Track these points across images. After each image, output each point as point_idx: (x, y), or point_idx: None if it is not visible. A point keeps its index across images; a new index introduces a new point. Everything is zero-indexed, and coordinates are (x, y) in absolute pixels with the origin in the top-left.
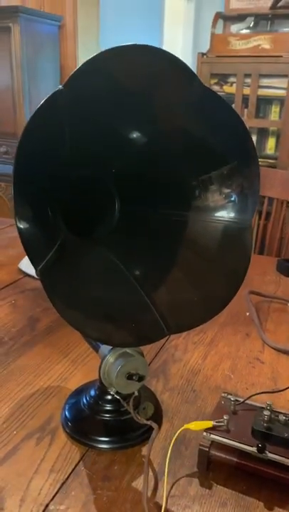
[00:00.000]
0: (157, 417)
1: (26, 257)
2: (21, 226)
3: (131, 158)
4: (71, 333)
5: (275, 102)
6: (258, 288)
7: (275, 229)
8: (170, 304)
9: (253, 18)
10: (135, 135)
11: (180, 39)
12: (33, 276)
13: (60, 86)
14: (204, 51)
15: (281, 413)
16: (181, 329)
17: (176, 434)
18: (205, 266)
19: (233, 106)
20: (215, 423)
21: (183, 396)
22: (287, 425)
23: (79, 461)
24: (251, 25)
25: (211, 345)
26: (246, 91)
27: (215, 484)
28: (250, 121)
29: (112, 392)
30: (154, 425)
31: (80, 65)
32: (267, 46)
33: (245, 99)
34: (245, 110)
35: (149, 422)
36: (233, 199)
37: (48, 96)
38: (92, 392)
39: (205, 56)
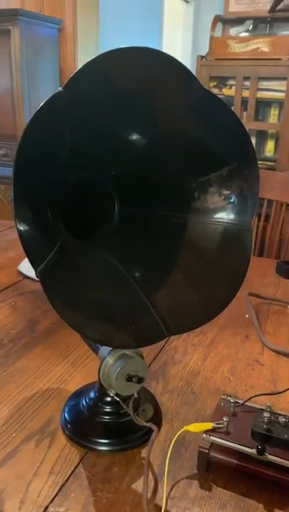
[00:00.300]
0: (157, 418)
1: (26, 259)
2: (21, 228)
3: (131, 160)
4: (71, 335)
5: (274, 104)
6: (257, 290)
7: (274, 231)
8: (170, 306)
9: (252, 21)
10: (135, 137)
11: (179, 42)
12: (32, 279)
13: (60, 88)
14: (203, 54)
15: (281, 415)
16: (181, 331)
17: (176, 436)
18: (204, 268)
19: (233, 109)
20: (215, 425)
21: (182, 398)
22: (287, 427)
23: (78, 463)
24: (250, 29)
25: (210, 347)
26: (245, 94)
27: (215, 486)
28: (249, 124)
29: (111, 394)
30: (154, 427)
31: (79, 67)
32: (266, 49)
33: (245, 102)
34: (245, 113)
35: (148, 424)
36: (232, 201)
37: (47, 98)
38: (92, 394)
39: (204, 59)
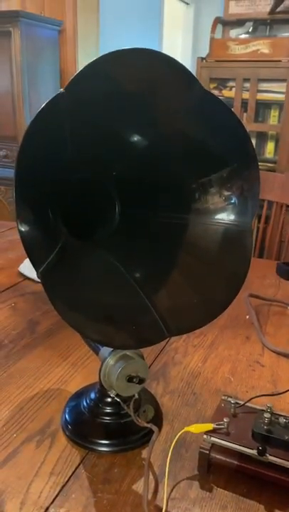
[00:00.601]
0: (157, 419)
1: (26, 260)
2: (23, 229)
3: (131, 161)
4: (71, 335)
5: (274, 106)
6: (257, 291)
7: (274, 232)
8: (170, 307)
9: (252, 23)
10: (136, 138)
11: (179, 44)
12: (33, 280)
13: (62, 89)
14: (203, 56)
15: (281, 416)
16: (181, 332)
17: (177, 437)
18: (205, 269)
19: (232, 110)
20: (215, 426)
21: (183, 399)
22: (288, 428)
23: (79, 464)
24: (250, 30)
25: (211, 348)
26: (245, 95)
27: (215, 487)
28: (249, 126)
29: (112, 395)
30: (155, 428)
31: (80, 69)
32: (266, 51)
33: (245, 104)
34: (245, 114)
35: (149, 425)
36: (233, 201)
37: (49, 99)
38: (93, 395)
39: (204, 61)
